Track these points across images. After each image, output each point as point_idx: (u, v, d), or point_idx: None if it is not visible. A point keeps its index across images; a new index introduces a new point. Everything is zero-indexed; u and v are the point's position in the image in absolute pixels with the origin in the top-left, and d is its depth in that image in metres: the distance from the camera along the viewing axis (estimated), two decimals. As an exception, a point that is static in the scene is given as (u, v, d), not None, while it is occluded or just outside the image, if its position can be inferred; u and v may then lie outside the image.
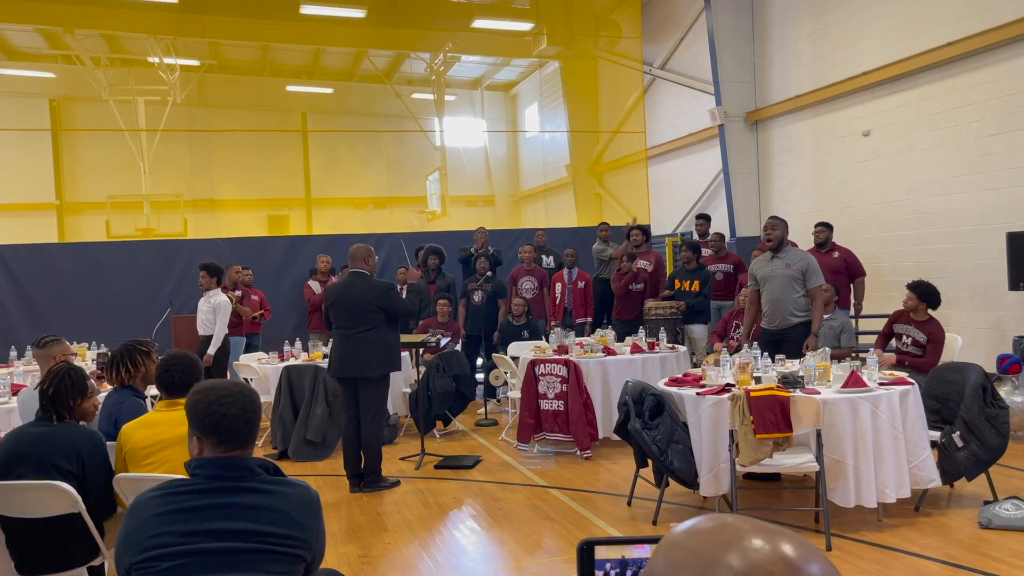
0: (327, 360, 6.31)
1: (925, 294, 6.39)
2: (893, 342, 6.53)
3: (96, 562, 3.46)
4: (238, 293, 9.20)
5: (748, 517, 0.86)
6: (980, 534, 4.46)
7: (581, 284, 9.57)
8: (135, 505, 2.24)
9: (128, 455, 3.33)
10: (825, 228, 8.77)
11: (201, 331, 7.96)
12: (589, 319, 9.50)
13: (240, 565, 2.18)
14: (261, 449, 7.49)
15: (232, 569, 2.18)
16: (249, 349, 9.13)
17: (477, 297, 9.45)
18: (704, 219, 10.87)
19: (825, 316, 6.75)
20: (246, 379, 7.80)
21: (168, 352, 3.61)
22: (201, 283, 8.10)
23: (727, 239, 12.40)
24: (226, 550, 2.18)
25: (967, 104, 9.05)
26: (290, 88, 16.34)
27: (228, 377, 6.48)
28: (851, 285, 8.42)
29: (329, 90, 16.66)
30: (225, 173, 14.79)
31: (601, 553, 1.28)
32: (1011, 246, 7.70)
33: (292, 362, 7.81)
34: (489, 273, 9.63)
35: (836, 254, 8.60)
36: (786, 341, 6.08)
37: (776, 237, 6.37)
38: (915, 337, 6.36)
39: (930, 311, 6.38)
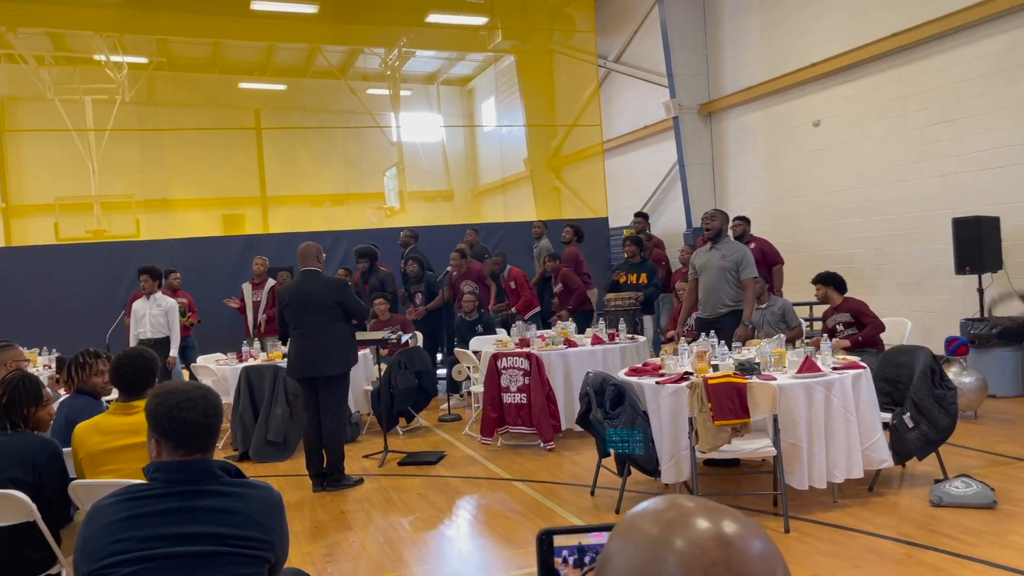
0: (286, 360, 6.26)
1: (827, 279, 6.74)
2: (832, 337, 6.74)
3: (54, 570, 3.40)
4: (182, 300, 9.11)
5: (700, 498, 0.88)
6: (932, 512, 4.59)
7: (513, 284, 9.77)
8: (93, 512, 2.21)
9: (84, 461, 3.27)
10: (742, 222, 9.14)
11: (149, 335, 7.89)
12: (537, 309, 9.66)
13: (202, 569, 2.17)
14: (221, 451, 7.40)
15: (194, 573, 2.16)
16: (185, 352, 8.95)
17: (418, 299, 9.58)
18: (642, 217, 11.19)
19: (761, 306, 6.97)
20: (205, 380, 7.71)
21: (124, 350, 3.54)
22: (145, 287, 8.01)
23: (684, 230, 12.58)
24: (187, 554, 2.17)
25: (913, 93, 9.27)
26: (242, 85, 16.10)
27: (178, 379, 6.41)
28: (770, 273, 8.66)
29: (282, 87, 16.45)
30: (178, 172, 14.54)
31: (560, 541, 1.31)
32: (956, 231, 7.92)
33: (251, 362, 7.72)
34: (426, 274, 9.76)
35: (753, 245, 8.90)
36: (718, 329, 6.22)
37: (714, 228, 6.53)
38: (843, 321, 6.61)
39: (842, 294, 6.66)
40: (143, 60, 14.77)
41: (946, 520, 4.44)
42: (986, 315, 7.85)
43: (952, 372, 6.66)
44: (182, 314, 9.03)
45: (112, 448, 3.24)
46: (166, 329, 8.19)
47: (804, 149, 10.95)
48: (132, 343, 8.11)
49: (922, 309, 9.12)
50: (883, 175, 9.72)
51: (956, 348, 7.22)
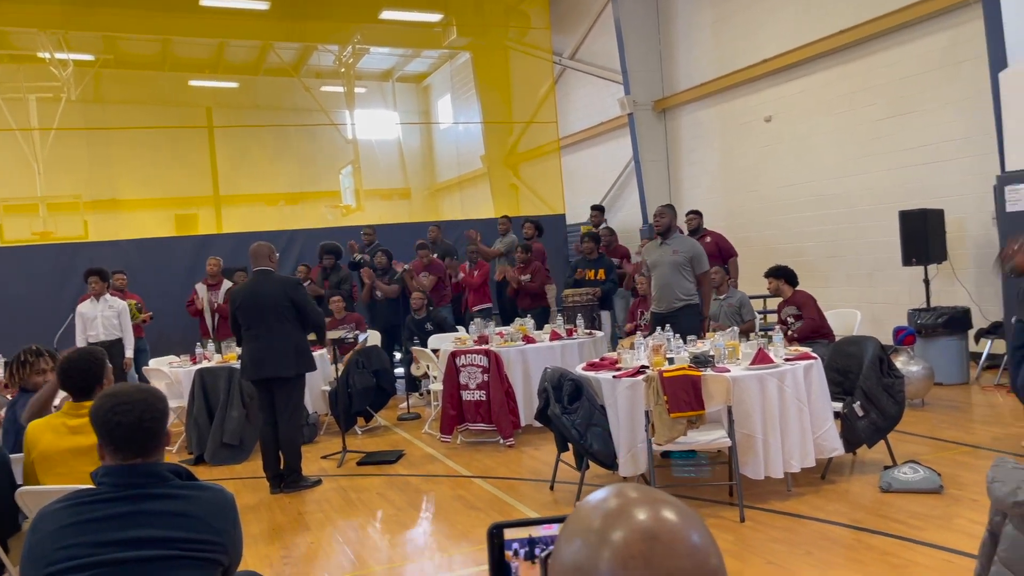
0: (241, 362, 6.17)
1: (778, 273, 6.89)
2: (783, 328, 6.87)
3: (0, 580, 3.32)
4: (133, 302, 8.94)
5: (646, 488, 0.89)
6: (881, 498, 4.70)
7: (476, 272, 9.90)
8: (39, 518, 2.17)
9: (36, 461, 3.20)
10: (696, 216, 9.34)
11: (101, 336, 7.73)
12: (487, 306, 9.72)
13: (154, 573, 2.14)
14: (176, 455, 7.29)
15: (145, 577, 2.13)
16: (137, 355, 8.77)
17: (382, 293, 9.52)
18: (598, 210, 11.27)
19: (720, 297, 7.11)
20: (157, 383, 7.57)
21: (69, 350, 3.46)
22: (94, 288, 7.85)
23: (640, 226, 12.68)
24: (138, 559, 2.14)
25: (861, 89, 9.47)
26: (193, 83, 15.81)
27: (131, 381, 6.29)
28: (725, 266, 8.82)
29: (234, 84, 16.19)
30: (127, 172, 14.22)
31: (510, 535, 1.31)
32: (903, 224, 8.11)
33: (205, 365, 7.60)
34: (405, 267, 9.67)
35: (708, 239, 9.12)
36: (673, 323, 6.30)
37: (664, 224, 6.62)
38: (793, 314, 6.75)
39: (793, 287, 6.81)
40: (89, 57, 14.42)
41: (895, 505, 4.55)
42: (932, 305, 8.05)
43: (900, 361, 6.82)
44: (138, 311, 8.87)
45: (64, 449, 3.18)
46: (119, 330, 8.02)
47: (756, 144, 11.11)
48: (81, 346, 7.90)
49: (872, 300, 9.32)
50: (833, 169, 9.91)
51: (903, 338, 7.40)
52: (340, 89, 16.04)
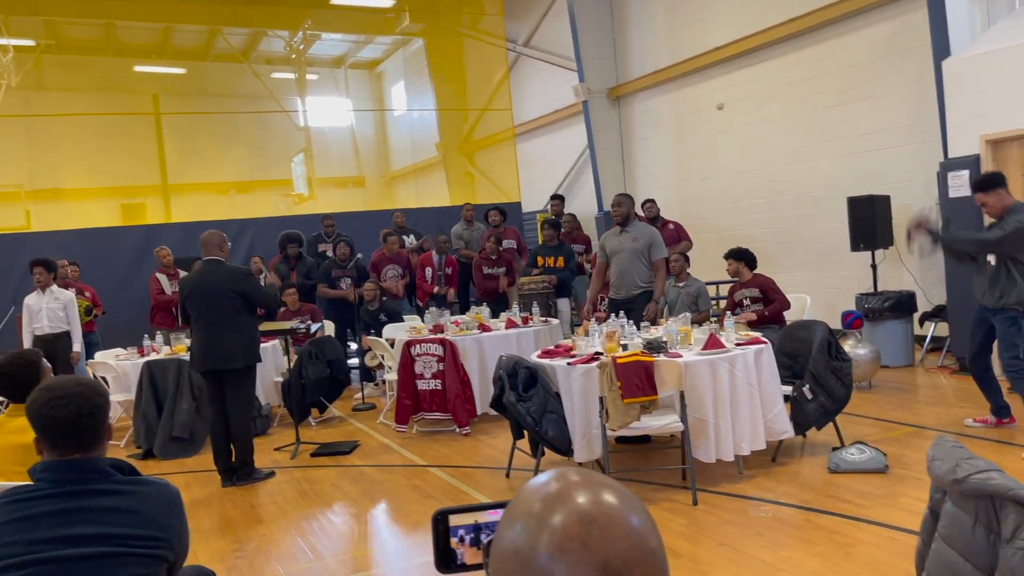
0: (190, 354, 6.05)
1: (739, 255, 6.93)
2: (738, 310, 6.93)
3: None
4: (72, 291, 8.70)
5: (587, 472, 0.88)
6: (830, 478, 4.80)
7: (449, 270, 9.73)
8: (-27, 517, 2.10)
9: None
10: (653, 203, 9.48)
11: (47, 330, 7.51)
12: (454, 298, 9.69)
13: (96, 571, 2.09)
14: (123, 449, 7.14)
15: (87, 575, 2.08)
16: (87, 348, 8.56)
17: (345, 284, 9.38)
18: (558, 199, 11.27)
19: (680, 284, 7.17)
20: (103, 377, 7.39)
21: (3, 356, 3.36)
22: (39, 280, 7.60)
23: (596, 214, 12.73)
24: (78, 556, 2.08)
25: (811, 77, 9.60)
26: (139, 68, 15.38)
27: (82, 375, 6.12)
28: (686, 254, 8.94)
29: (182, 70, 15.81)
30: (70, 161, 13.80)
31: (455, 521, 1.30)
32: (851, 210, 8.26)
33: (153, 357, 7.45)
34: (358, 257, 9.57)
35: (671, 226, 9.24)
36: (632, 309, 6.36)
37: (622, 213, 6.66)
38: (751, 296, 6.82)
39: (752, 270, 6.89)
40: (30, 43, 13.95)
41: (842, 485, 4.64)
42: (879, 290, 8.23)
43: (848, 345, 6.96)
44: (89, 312, 8.64)
45: (5, 447, 3.08)
46: (65, 323, 7.78)
47: (709, 132, 11.21)
48: (27, 341, 7.67)
49: (822, 285, 9.49)
50: (783, 157, 10.05)
51: (851, 322, 7.55)
52: (291, 76, 15.78)
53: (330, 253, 9.93)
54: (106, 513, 2.11)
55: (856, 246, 8.24)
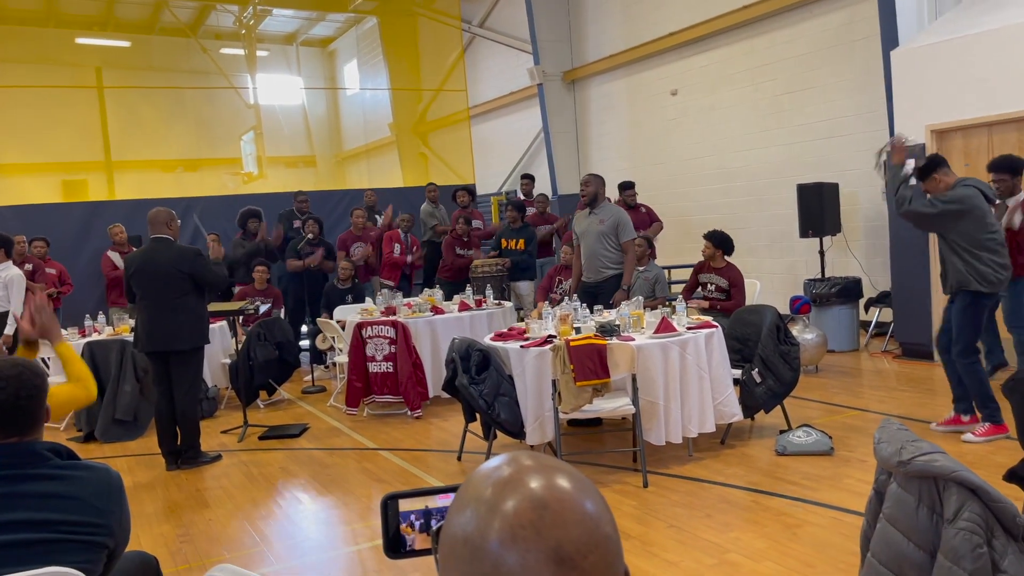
0: (133, 334, 5.89)
1: (720, 241, 6.90)
2: (699, 291, 6.97)
3: None
4: (28, 267, 8.41)
5: (539, 455, 0.86)
6: (777, 460, 4.88)
7: (414, 249, 9.59)
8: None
9: None
10: (633, 193, 9.44)
11: None
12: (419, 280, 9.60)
13: (32, 558, 2.02)
14: (64, 432, 6.94)
15: (23, 562, 2.01)
16: None
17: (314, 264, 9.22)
18: (528, 179, 11.15)
19: (640, 268, 7.13)
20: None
21: None
22: None
23: (550, 196, 12.72)
24: (13, 543, 2.02)
25: (762, 64, 9.70)
26: (80, 41, 14.86)
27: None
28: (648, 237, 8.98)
29: (126, 43, 15.33)
30: (8, 134, 13.31)
31: (405, 506, 1.27)
32: (801, 197, 8.38)
33: (95, 337, 7.24)
34: (326, 241, 9.41)
35: (643, 210, 9.27)
36: (602, 293, 6.34)
37: (590, 193, 6.59)
38: (718, 284, 6.84)
39: (727, 258, 6.87)
40: (-36, 11, 13.39)
41: (789, 468, 4.73)
42: (826, 276, 8.38)
43: (796, 329, 7.08)
44: (52, 296, 8.35)
45: None
46: (6, 302, 7.48)
47: (663, 117, 11.27)
48: None
49: (771, 271, 9.64)
50: (735, 143, 10.16)
51: (800, 307, 7.68)
52: (241, 52, 15.42)
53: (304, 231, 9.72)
54: (42, 499, 2.05)
55: (805, 232, 8.37)
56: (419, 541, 1.30)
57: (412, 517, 1.29)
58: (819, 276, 8.38)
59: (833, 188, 8.37)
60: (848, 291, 8.05)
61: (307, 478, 5.31)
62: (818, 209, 8.23)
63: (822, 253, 8.44)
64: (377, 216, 10.22)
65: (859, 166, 8.60)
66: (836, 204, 8.37)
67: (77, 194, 13.14)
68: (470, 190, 10.38)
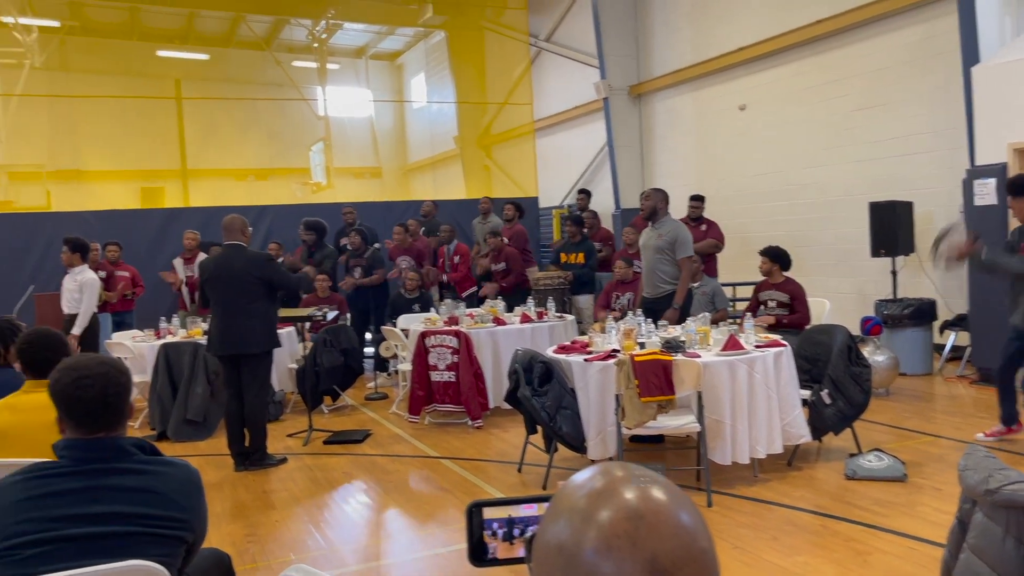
0: (206, 337, 6.07)
1: (776, 256, 6.84)
2: (761, 309, 6.86)
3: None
4: (102, 274, 8.74)
5: (633, 466, 0.86)
6: (846, 485, 4.76)
7: (457, 259, 9.64)
8: (-4, 490, 2.10)
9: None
10: (699, 204, 9.32)
11: (66, 309, 7.50)
12: (474, 289, 9.60)
13: (115, 550, 2.09)
14: (139, 431, 7.17)
15: (106, 554, 2.08)
16: (122, 327, 8.68)
17: (357, 273, 9.38)
18: (584, 194, 11.20)
19: (694, 284, 7.05)
20: (121, 358, 7.42)
21: (29, 329, 3.36)
22: (63, 259, 7.61)
23: (612, 211, 12.69)
24: (97, 535, 2.08)
25: (834, 80, 9.51)
26: (162, 53, 15.45)
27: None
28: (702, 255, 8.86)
29: (205, 56, 15.87)
30: (92, 142, 13.90)
31: (489, 514, 1.28)
32: (873, 216, 8.18)
33: (169, 339, 7.47)
34: (375, 247, 9.56)
35: (704, 226, 9.18)
36: (660, 309, 6.27)
37: (648, 207, 6.53)
38: (778, 299, 6.74)
39: (785, 273, 6.78)
40: (55, 23, 14.03)
41: (859, 492, 4.60)
42: (898, 296, 8.15)
43: (866, 351, 6.89)
44: (127, 298, 8.71)
45: (23, 424, 3.08)
46: (79, 304, 7.79)
47: (729, 132, 11.14)
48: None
49: (839, 290, 9.42)
50: (804, 159, 9.97)
51: (871, 328, 7.48)
52: (312, 65, 15.82)
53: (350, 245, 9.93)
54: (127, 492, 2.11)
55: (876, 252, 8.16)
56: (501, 550, 1.30)
57: (495, 526, 1.30)
58: (891, 297, 8.16)
59: (907, 207, 8.15)
60: (922, 313, 7.82)
61: (370, 484, 5.38)
62: (891, 228, 8.02)
63: (894, 273, 8.22)
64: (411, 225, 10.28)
65: (934, 185, 8.36)
66: (910, 223, 8.15)
67: (154, 200, 13.62)
68: (517, 204, 10.47)
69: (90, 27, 14.86)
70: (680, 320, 5.88)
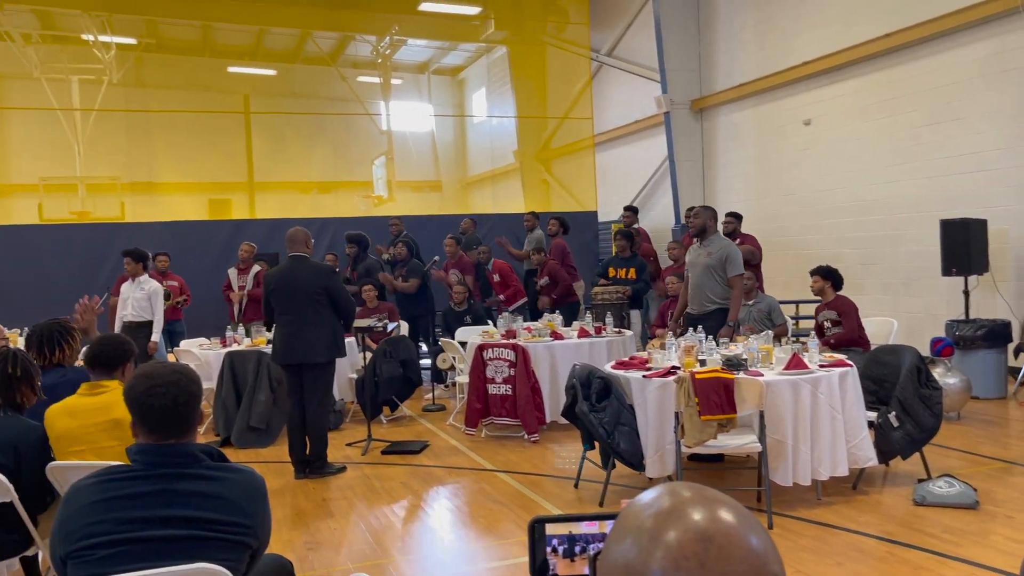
0: (271, 346, 6.20)
1: (827, 274, 6.77)
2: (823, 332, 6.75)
3: (30, 552, 3.35)
4: (175, 284, 9.06)
5: (699, 487, 0.86)
6: (915, 511, 4.61)
7: (497, 277, 9.78)
8: (71, 493, 2.18)
9: (54, 443, 3.23)
10: (733, 219, 9.15)
11: (130, 318, 7.81)
12: (524, 300, 9.65)
13: (182, 553, 2.14)
14: (203, 436, 7.35)
15: (174, 557, 2.13)
16: (172, 337, 8.91)
17: (399, 282, 9.53)
18: (631, 211, 11.16)
19: (749, 302, 6.97)
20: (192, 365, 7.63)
21: (102, 335, 3.50)
22: (128, 269, 7.93)
23: (672, 225, 12.59)
24: (167, 538, 2.14)
25: (902, 95, 9.29)
26: (232, 69, 15.94)
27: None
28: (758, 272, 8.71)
29: (272, 72, 16.30)
30: (164, 155, 14.39)
31: (551, 530, 1.29)
32: (944, 233, 7.94)
33: (235, 348, 7.66)
34: (413, 260, 9.70)
35: (741, 243, 8.99)
36: (705, 326, 6.19)
37: (697, 225, 6.47)
38: (831, 319, 6.63)
39: (837, 291, 6.67)
40: (131, 41, 14.59)
41: (929, 519, 4.45)
42: (971, 317, 7.89)
43: (936, 373, 6.67)
44: (167, 297, 8.95)
45: (83, 425, 3.20)
46: (149, 312, 8.09)
47: (794, 148, 10.96)
48: (117, 326, 8.02)
49: (907, 310, 9.16)
50: (872, 175, 9.75)
51: (941, 349, 7.25)
52: (376, 80, 16.09)
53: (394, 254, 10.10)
54: (196, 497, 2.16)
55: (948, 271, 7.91)
56: (562, 567, 1.30)
57: (555, 542, 1.30)
58: (963, 317, 7.90)
59: (981, 224, 7.89)
60: (995, 334, 7.54)
61: (427, 495, 5.41)
62: (963, 246, 7.77)
63: (966, 293, 7.95)
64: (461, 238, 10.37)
65: (1009, 202, 8.08)
66: (983, 241, 7.88)
67: (222, 212, 14.01)
68: (561, 219, 10.50)
69: (165, 44, 15.41)
70: (692, 327, 5.86)
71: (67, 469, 3.09)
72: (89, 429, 3.19)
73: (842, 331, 6.52)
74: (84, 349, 3.49)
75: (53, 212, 13.53)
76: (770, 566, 0.80)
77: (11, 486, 3.08)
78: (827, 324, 6.68)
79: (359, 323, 6.81)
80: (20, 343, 7.79)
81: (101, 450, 3.09)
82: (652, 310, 10.03)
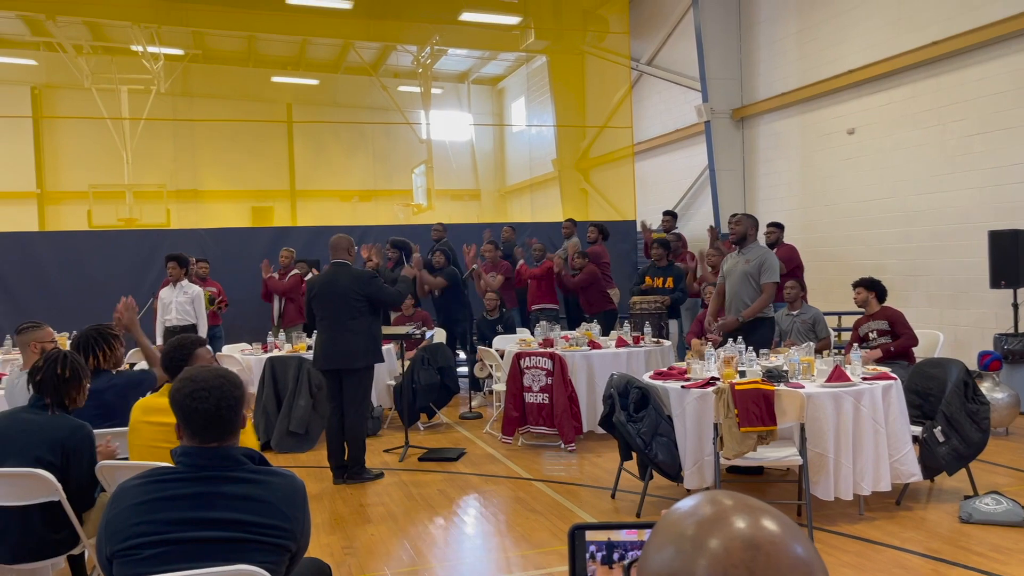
0: (311, 351, 6.27)
1: (871, 285, 6.68)
2: (864, 345, 6.61)
3: (76, 551, 3.43)
4: (213, 289, 9.22)
5: (741, 496, 0.85)
6: (961, 528, 4.50)
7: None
8: (118, 493, 2.22)
9: (129, 433, 3.31)
10: (776, 229, 9.09)
11: (174, 322, 7.99)
12: (552, 305, 9.67)
13: (224, 555, 2.17)
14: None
15: (216, 558, 2.16)
16: (212, 342, 9.08)
17: (436, 291, 9.55)
18: (670, 216, 11.10)
19: (794, 312, 6.90)
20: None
21: (170, 341, 3.56)
22: (172, 274, 8.13)
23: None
24: (210, 539, 2.17)
25: (950, 103, 9.11)
26: (275, 79, 16.22)
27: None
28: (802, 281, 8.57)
29: (315, 81, 16.55)
30: (209, 164, 14.68)
31: (591, 537, 1.29)
32: (993, 245, 7.77)
33: (276, 353, 7.76)
34: (450, 267, 9.75)
35: (775, 250, 8.88)
36: (743, 335, 6.11)
37: (738, 232, 6.41)
38: (878, 329, 6.50)
39: (882, 302, 6.57)
40: (179, 52, 14.93)
41: (975, 537, 4.34)
42: (1020, 331, 7.69)
43: (984, 387, 6.53)
44: (211, 302, 9.12)
45: (143, 423, 3.28)
46: (192, 316, 8.26)
47: (837, 157, 10.81)
48: (159, 330, 8.21)
49: (954, 322, 8.96)
50: (918, 185, 9.57)
51: (990, 363, 7.08)
52: (417, 89, 16.25)
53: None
54: (238, 500, 2.19)
55: (996, 283, 7.73)
56: (600, 573, 1.30)
57: (593, 549, 1.30)
58: (1012, 331, 7.70)
59: (1031, 236, 7.69)
60: (1046, 349, 7.34)
61: (463, 502, 5.42)
62: (1013, 258, 7.59)
63: (1015, 306, 7.76)
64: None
65: (1062, 213, 7.87)
66: (1034, 253, 7.68)
67: (264, 220, 14.24)
68: (600, 226, 10.61)
69: (211, 55, 15.74)
70: (732, 337, 5.75)
71: (116, 469, 3.16)
72: (148, 425, 3.27)
73: (903, 339, 6.40)
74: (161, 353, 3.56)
75: (102, 219, 13.87)
76: (817, 575, 0.79)
77: (59, 485, 3.15)
78: (873, 335, 6.57)
79: (395, 330, 6.86)
80: (68, 346, 8.00)
81: (161, 450, 3.15)
82: (688, 320, 9.95)
